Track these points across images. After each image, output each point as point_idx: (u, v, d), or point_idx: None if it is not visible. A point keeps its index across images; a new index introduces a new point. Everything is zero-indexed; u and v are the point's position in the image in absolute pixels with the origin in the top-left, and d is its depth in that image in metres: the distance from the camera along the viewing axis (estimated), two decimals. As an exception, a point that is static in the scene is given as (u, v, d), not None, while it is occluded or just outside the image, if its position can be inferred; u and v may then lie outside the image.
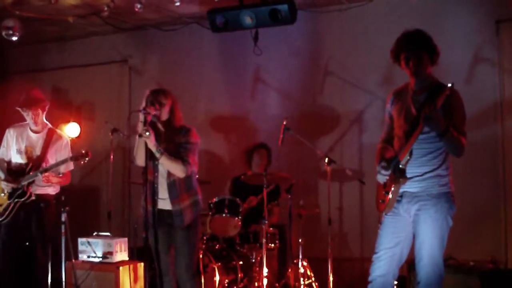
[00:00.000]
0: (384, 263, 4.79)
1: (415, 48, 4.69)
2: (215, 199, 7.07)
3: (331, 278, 6.81)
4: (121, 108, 9.42)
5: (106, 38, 9.69)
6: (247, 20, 7.51)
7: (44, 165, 6.47)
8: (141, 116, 5.20)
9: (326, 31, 8.32)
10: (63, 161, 6.40)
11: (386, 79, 7.56)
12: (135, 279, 6.46)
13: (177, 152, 5.38)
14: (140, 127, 5.18)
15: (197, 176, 5.70)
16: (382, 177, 4.75)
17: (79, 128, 8.91)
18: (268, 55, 8.29)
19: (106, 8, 7.70)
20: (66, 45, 10.06)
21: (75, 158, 6.29)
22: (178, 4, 7.48)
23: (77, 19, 8.53)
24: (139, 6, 7.44)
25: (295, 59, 8.46)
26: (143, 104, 5.34)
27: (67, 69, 9.92)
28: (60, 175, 6.50)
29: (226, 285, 6.88)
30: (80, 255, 6.63)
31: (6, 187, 6.45)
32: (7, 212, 6.45)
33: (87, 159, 6.29)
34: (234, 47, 8.74)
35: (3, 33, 7.84)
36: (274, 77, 8.60)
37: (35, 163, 6.46)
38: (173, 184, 5.44)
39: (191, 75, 8.89)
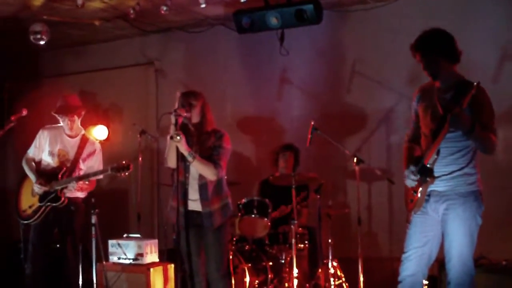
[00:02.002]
0: (413, 262, 4.78)
1: (428, 53, 4.67)
2: (244, 200, 7.08)
3: (361, 278, 6.78)
4: (148, 111, 9.46)
5: (132, 41, 9.73)
6: (273, 20, 7.51)
7: (77, 171, 6.52)
8: (173, 118, 5.22)
9: (352, 31, 8.28)
10: (103, 171, 6.43)
11: (413, 77, 7.47)
12: (166, 281, 6.49)
13: (209, 155, 5.41)
14: (172, 130, 5.21)
15: (225, 177, 5.71)
16: (411, 182, 4.72)
17: (107, 131, 8.95)
18: (294, 56, 8.27)
19: (132, 11, 7.72)
20: (93, 49, 10.11)
21: (116, 169, 6.23)
22: (203, 6, 7.49)
23: (103, 23, 8.60)
24: (165, 8, 7.46)
25: (321, 59, 8.44)
26: (175, 106, 5.34)
27: (94, 73, 9.96)
28: (87, 182, 6.55)
29: (257, 286, 6.88)
30: (110, 257, 6.67)
31: (39, 190, 6.48)
32: (37, 215, 6.50)
33: (127, 172, 6.25)
34: (259, 48, 8.74)
35: (31, 38, 7.90)
36: (301, 77, 8.57)
37: (68, 168, 6.50)
38: (204, 186, 5.47)
39: (217, 77, 8.90)
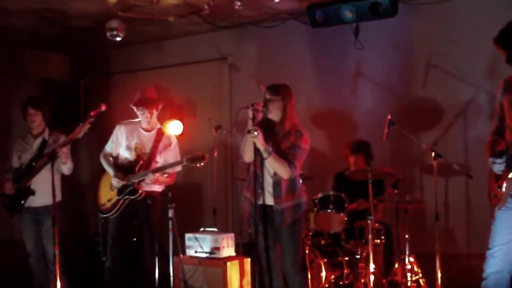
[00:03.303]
0: (498, 259, 4.67)
1: (509, 46, 4.56)
2: (319, 195, 7.05)
3: (439, 275, 6.67)
4: (222, 106, 9.52)
5: (205, 36, 9.77)
6: (348, 14, 7.48)
7: (153, 164, 6.59)
8: (250, 113, 5.20)
9: (428, 23, 8.14)
10: (178, 162, 6.48)
11: (491, 70, 7.34)
12: (242, 274, 6.51)
13: (285, 153, 5.37)
14: (249, 124, 5.18)
15: (301, 172, 5.67)
16: (499, 166, 4.60)
17: (182, 126, 9.04)
18: (368, 49, 8.19)
19: (206, 7, 7.77)
20: (166, 45, 10.22)
21: (191, 160, 6.28)
22: (277, 0, 7.48)
23: (177, 19, 8.65)
24: (238, 3, 7.47)
25: (396, 52, 8.32)
26: (259, 101, 5.34)
27: (167, 68, 10.07)
28: (166, 175, 6.60)
29: (332, 280, 6.86)
30: (187, 251, 6.72)
31: (117, 183, 6.57)
32: (115, 208, 6.59)
33: (203, 163, 6.29)
34: (333, 42, 8.68)
35: (108, 34, 8.03)
36: (375, 71, 8.48)
37: (145, 162, 6.57)
38: (278, 183, 5.45)
39: (290, 72, 8.84)
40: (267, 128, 5.41)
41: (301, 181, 5.90)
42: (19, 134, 7.26)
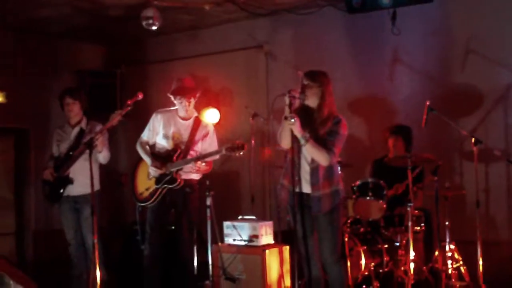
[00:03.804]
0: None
1: None
2: (358, 182, 7.00)
3: (480, 262, 6.58)
4: (258, 94, 9.48)
5: (241, 24, 9.74)
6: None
7: (191, 152, 6.58)
8: (286, 100, 5.12)
9: (466, 8, 8.02)
10: (217, 152, 6.45)
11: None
12: (281, 263, 6.46)
13: (323, 140, 5.30)
14: (286, 111, 5.11)
15: (339, 159, 5.62)
16: None
17: (219, 114, 9.03)
18: (405, 35, 8.10)
19: (242, -5, 7.75)
20: (201, 33, 10.21)
21: (231, 149, 6.24)
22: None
23: (213, 7, 8.62)
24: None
25: (434, 38, 8.22)
26: (296, 87, 5.28)
27: (203, 57, 10.05)
28: (204, 164, 6.58)
29: (372, 268, 6.79)
30: (225, 239, 6.68)
31: (155, 172, 6.58)
32: (154, 197, 6.60)
33: (242, 152, 6.25)
34: (370, 28, 8.59)
35: (144, 23, 8.03)
36: (413, 57, 8.38)
37: (182, 150, 6.57)
38: (316, 170, 5.38)
39: (327, 58, 8.78)
40: (305, 114, 5.34)
41: (339, 168, 5.85)
42: (57, 125, 7.32)
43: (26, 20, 9.19)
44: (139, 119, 7.08)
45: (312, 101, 5.36)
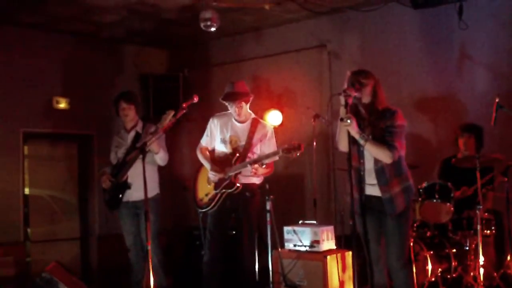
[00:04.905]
0: None
1: None
2: (424, 184, 6.85)
3: (554, 268, 6.30)
4: (322, 94, 9.31)
5: (302, 24, 9.61)
6: (450, -7, 7.18)
7: (250, 155, 6.47)
8: (342, 99, 5.04)
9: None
10: (274, 153, 6.30)
11: None
12: (343, 268, 6.34)
13: (383, 137, 5.17)
14: (341, 112, 5.03)
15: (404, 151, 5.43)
16: None
17: (281, 116, 8.92)
18: (473, 29, 7.82)
19: (302, -7, 7.61)
20: (263, 34, 10.12)
21: (287, 150, 6.07)
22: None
23: (273, 6, 8.51)
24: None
25: (504, 31, 7.87)
26: (345, 86, 5.16)
27: (266, 58, 9.96)
28: (264, 166, 6.44)
29: (439, 274, 6.62)
30: (286, 244, 6.63)
31: (214, 177, 6.52)
32: (213, 202, 6.54)
33: (299, 153, 6.06)
34: (436, 23, 8.33)
35: (202, 25, 7.98)
36: (482, 52, 8.05)
37: (241, 154, 6.47)
38: (382, 170, 5.25)
39: (392, 56, 8.60)
40: (360, 114, 5.27)
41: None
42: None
43: (89, 25, 9.28)
44: (204, 122, 6.99)
45: (366, 99, 5.29)
